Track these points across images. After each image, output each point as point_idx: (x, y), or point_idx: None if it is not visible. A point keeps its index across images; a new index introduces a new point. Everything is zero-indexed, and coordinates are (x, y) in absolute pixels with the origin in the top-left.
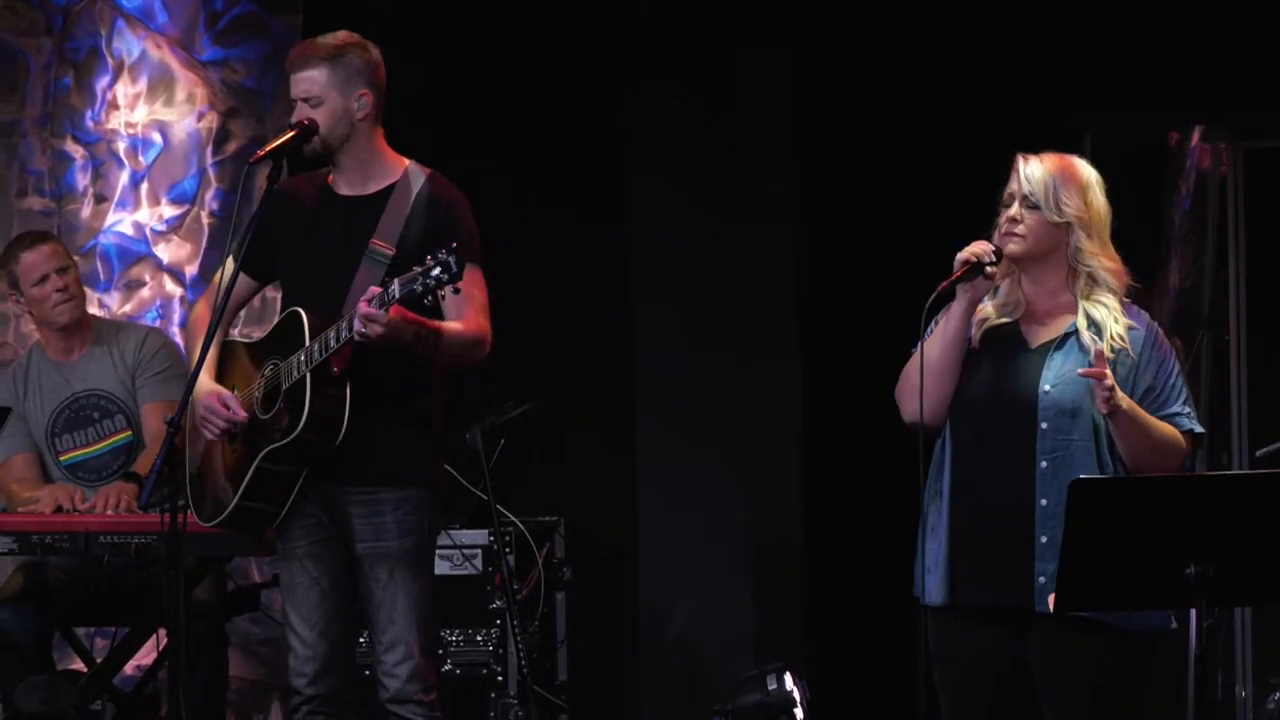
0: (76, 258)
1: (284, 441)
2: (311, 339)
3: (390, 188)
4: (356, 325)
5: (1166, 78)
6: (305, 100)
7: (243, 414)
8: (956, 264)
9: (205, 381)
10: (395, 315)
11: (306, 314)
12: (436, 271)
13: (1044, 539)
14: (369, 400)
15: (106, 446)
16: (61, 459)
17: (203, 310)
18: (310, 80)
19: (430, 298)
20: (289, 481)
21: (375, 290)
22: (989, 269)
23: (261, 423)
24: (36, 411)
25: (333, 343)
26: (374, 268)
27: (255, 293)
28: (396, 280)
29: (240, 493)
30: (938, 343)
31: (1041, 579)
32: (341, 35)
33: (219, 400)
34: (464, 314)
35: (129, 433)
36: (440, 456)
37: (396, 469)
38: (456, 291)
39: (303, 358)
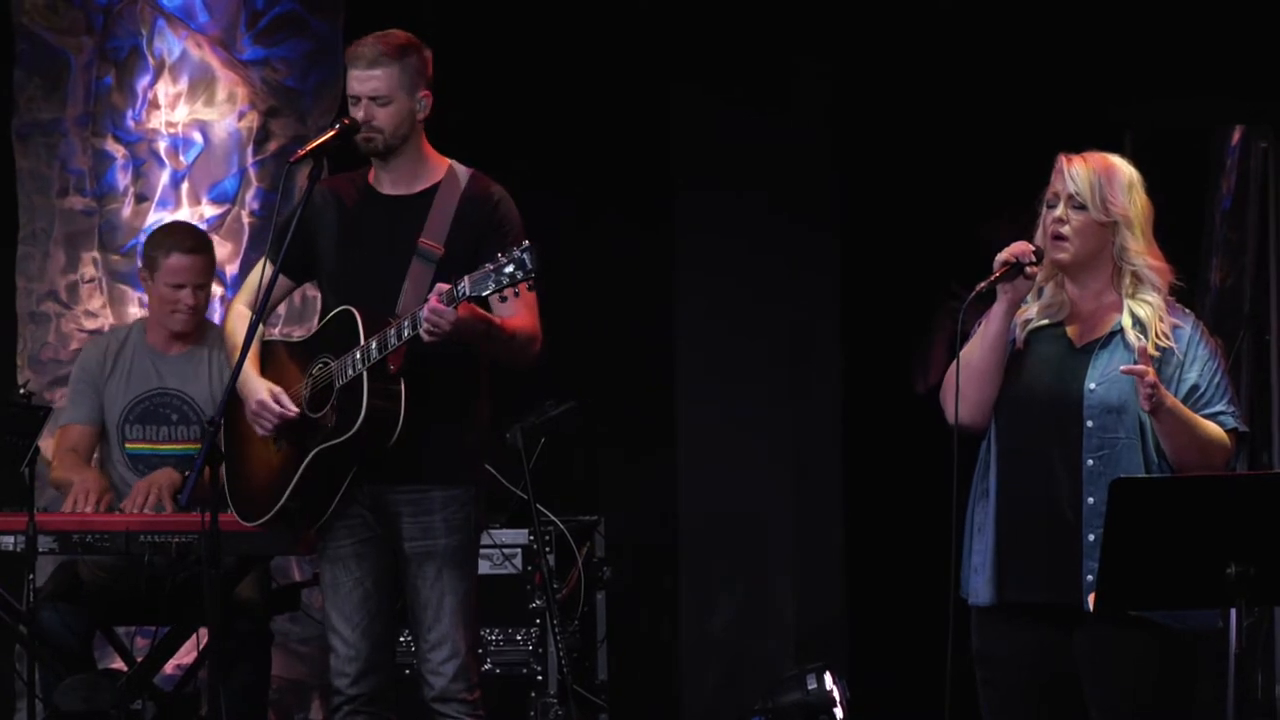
0: (116, 257)
1: (338, 440)
2: (367, 337)
3: (434, 187)
4: (424, 323)
5: (1210, 74)
6: (373, 99)
7: (294, 410)
8: (996, 265)
9: (255, 379)
10: (464, 313)
11: (359, 312)
12: (510, 269)
13: (1091, 537)
14: (420, 399)
15: (174, 450)
16: (127, 446)
17: (241, 311)
18: (381, 78)
19: (502, 295)
20: (337, 481)
21: (444, 287)
22: (1029, 269)
23: (311, 421)
24: (117, 393)
25: (393, 340)
26: (425, 266)
27: (291, 292)
28: (467, 278)
29: (289, 493)
30: (979, 344)
31: (1089, 577)
32: (402, 34)
33: (271, 396)
34: (517, 312)
35: (200, 445)
36: (486, 455)
37: (445, 467)
38: (532, 289)
39: (358, 356)
